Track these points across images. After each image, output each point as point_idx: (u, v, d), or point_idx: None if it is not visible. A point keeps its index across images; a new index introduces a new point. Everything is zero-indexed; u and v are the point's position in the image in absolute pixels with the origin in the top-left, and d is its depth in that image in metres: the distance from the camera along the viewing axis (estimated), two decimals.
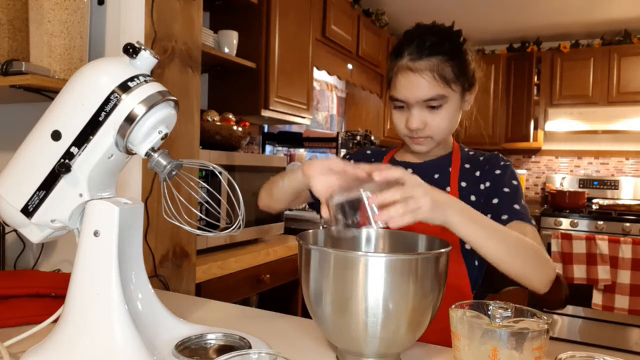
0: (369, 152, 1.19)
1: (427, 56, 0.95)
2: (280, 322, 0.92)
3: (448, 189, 1.03)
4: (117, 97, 0.64)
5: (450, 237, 0.97)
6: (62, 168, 0.66)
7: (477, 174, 1.05)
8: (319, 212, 1.15)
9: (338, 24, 2.82)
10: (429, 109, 0.98)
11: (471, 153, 1.10)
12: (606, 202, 3.74)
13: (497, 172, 1.03)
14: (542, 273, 0.85)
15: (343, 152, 2.82)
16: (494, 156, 1.07)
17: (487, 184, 1.03)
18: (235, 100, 2.23)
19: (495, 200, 1.00)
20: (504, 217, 0.98)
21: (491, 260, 0.81)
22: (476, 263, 1.02)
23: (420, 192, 0.70)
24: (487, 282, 1.07)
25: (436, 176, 1.06)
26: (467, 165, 1.06)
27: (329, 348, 0.79)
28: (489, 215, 1.00)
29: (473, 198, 1.02)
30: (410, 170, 0.99)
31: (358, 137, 2.97)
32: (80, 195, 0.68)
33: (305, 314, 0.80)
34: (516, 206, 0.98)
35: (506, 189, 1.01)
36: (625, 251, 3.00)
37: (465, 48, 1.00)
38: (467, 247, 1.00)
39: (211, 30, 2.01)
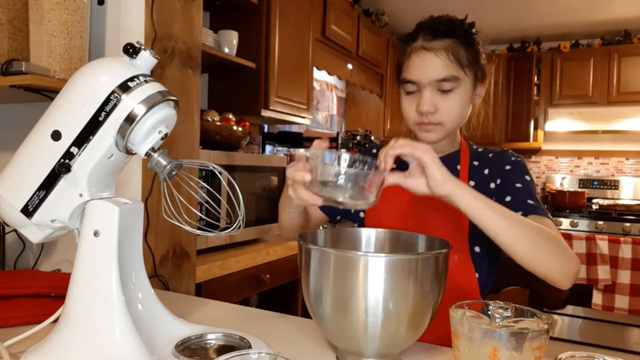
0: (374, 150, 1.16)
1: (442, 37, 0.95)
2: (280, 322, 0.92)
3: None
4: (117, 97, 0.64)
5: (460, 242, 0.97)
6: (62, 168, 0.66)
7: (486, 171, 1.02)
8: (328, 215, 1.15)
9: (338, 24, 2.81)
10: (441, 92, 0.95)
11: (480, 150, 1.07)
12: (606, 202, 3.74)
13: (507, 167, 1.00)
14: (565, 264, 0.78)
15: (343, 151, 2.83)
16: (503, 152, 1.04)
17: (498, 181, 0.99)
18: (235, 100, 2.23)
19: (508, 198, 0.95)
20: (519, 213, 0.91)
21: (505, 244, 0.75)
22: (486, 267, 1.01)
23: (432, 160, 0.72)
24: None
25: None
26: (475, 163, 1.04)
27: (329, 348, 0.79)
28: None
29: None
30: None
31: (358, 137, 2.98)
32: (80, 195, 0.68)
33: (305, 314, 0.80)
34: (530, 201, 0.93)
35: (518, 185, 0.96)
36: (625, 251, 3.00)
37: (477, 39, 0.99)
38: (477, 249, 1.00)
39: (211, 30, 2.01)
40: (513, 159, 1.01)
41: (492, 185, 1.00)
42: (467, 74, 0.96)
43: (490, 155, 1.05)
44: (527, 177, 0.98)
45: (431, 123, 0.97)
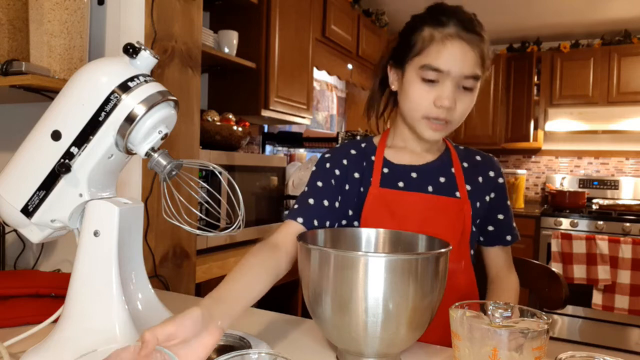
0: (353, 152, 0.99)
1: (474, 32, 0.87)
2: (280, 322, 0.92)
3: (458, 194, 0.96)
4: (117, 97, 0.64)
5: (466, 251, 0.97)
6: (62, 168, 0.66)
7: (480, 179, 0.99)
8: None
9: (338, 24, 2.81)
10: (461, 89, 0.88)
11: (461, 148, 1.04)
12: (606, 202, 3.74)
13: (500, 181, 1.01)
14: None
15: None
16: (493, 161, 1.03)
17: (492, 195, 1.00)
18: (235, 100, 2.23)
19: (500, 216, 1.01)
20: (508, 237, 1.01)
21: None
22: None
23: None
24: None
25: (442, 180, 0.97)
26: (465, 164, 1.00)
27: (329, 348, 0.79)
28: (491, 228, 1.01)
29: (478, 204, 0.98)
30: (411, 173, 0.96)
31: (358, 137, 2.97)
32: (80, 195, 0.68)
33: (305, 314, 0.80)
34: (514, 223, 1.02)
35: (508, 202, 1.02)
36: (625, 251, 3.00)
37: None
38: (472, 252, 1.01)
39: (211, 30, 2.00)
40: (501, 170, 1.03)
41: (487, 198, 1.00)
42: (481, 75, 0.90)
43: (479, 158, 1.02)
44: (508, 202, 1.03)
45: (445, 120, 0.89)
